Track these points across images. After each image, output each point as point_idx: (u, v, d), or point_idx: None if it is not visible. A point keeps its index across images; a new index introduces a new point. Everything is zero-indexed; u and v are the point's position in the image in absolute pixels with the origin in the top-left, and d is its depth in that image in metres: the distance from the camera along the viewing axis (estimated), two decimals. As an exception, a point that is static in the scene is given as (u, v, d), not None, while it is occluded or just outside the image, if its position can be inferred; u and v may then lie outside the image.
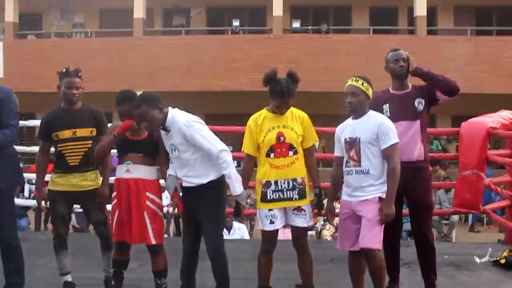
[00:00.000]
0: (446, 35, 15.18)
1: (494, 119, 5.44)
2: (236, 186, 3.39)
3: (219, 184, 3.49)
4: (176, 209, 3.52)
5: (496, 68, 14.03)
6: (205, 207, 3.43)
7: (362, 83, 3.40)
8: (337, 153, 3.61)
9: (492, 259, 4.85)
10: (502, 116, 5.57)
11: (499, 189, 5.69)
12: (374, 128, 3.38)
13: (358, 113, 3.46)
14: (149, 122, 3.36)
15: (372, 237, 3.33)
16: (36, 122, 7.18)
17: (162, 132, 3.48)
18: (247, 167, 3.58)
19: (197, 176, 3.41)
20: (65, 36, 17.11)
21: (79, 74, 3.80)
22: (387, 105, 3.76)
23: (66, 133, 3.75)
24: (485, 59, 14.05)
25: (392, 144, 3.36)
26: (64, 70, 3.77)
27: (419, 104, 3.75)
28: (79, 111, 3.81)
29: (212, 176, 3.44)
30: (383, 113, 3.68)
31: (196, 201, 3.43)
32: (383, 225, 3.38)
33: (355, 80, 3.42)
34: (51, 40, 16.24)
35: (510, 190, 5.62)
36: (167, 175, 3.54)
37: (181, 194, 3.53)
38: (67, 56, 14.22)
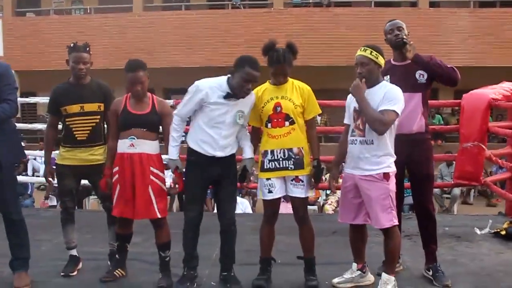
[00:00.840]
0: (448, 7, 15.03)
1: (495, 91, 5.42)
2: (250, 150, 3.58)
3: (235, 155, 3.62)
4: (176, 187, 3.54)
5: (499, 40, 13.93)
6: (231, 177, 3.55)
7: (371, 52, 3.36)
8: (346, 120, 3.60)
9: (493, 231, 4.90)
10: (503, 88, 5.54)
11: (500, 161, 5.71)
12: (382, 95, 3.33)
13: (370, 82, 3.40)
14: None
15: (385, 216, 3.33)
16: (38, 99, 7.22)
17: (220, 100, 3.39)
18: (252, 138, 3.65)
19: (232, 146, 3.51)
20: (64, 13, 17.00)
21: (87, 49, 3.80)
22: (388, 76, 3.70)
23: (74, 108, 3.77)
24: (488, 31, 13.94)
25: (390, 109, 3.27)
26: (72, 45, 3.78)
27: (421, 76, 3.68)
28: (87, 86, 3.82)
29: (236, 147, 3.57)
30: None
31: (221, 170, 3.48)
32: (393, 196, 3.37)
33: (364, 50, 3.38)
34: (50, 17, 16.16)
35: (511, 162, 5.63)
36: (168, 159, 3.52)
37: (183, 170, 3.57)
38: (67, 33, 14.15)
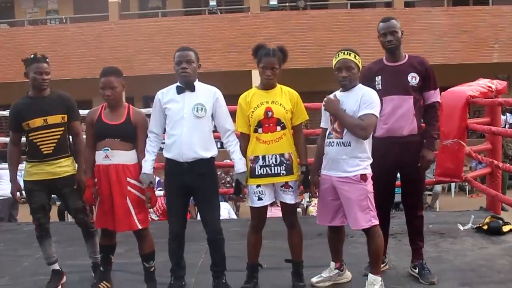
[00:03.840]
0: (423, 7, 15.21)
1: (472, 88, 5.48)
2: (241, 163, 3.47)
3: (214, 162, 3.55)
4: (149, 202, 3.50)
5: (474, 37, 14.13)
6: (208, 184, 3.48)
7: (355, 56, 3.35)
8: (322, 124, 3.59)
9: (475, 226, 4.95)
10: (480, 85, 5.61)
11: (479, 156, 5.78)
12: (358, 99, 3.33)
13: (350, 86, 3.40)
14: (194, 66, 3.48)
15: (363, 216, 3.33)
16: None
17: (179, 96, 3.44)
18: (242, 145, 3.55)
19: (204, 149, 3.42)
20: (39, 24, 16.81)
21: (47, 60, 3.72)
22: (379, 77, 3.65)
23: (37, 122, 3.66)
24: (463, 29, 14.13)
25: (369, 113, 3.29)
26: (32, 56, 3.69)
27: (413, 78, 3.61)
28: (48, 98, 3.72)
29: (212, 152, 3.48)
30: (375, 85, 3.61)
31: (197, 180, 3.42)
32: (371, 197, 3.37)
33: (347, 54, 3.36)
34: (25, 28, 15.94)
35: (491, 157, 5.70)
36: (142, 173, 3.47)
37: (156, 186, 3.58)
38: (43, 44, 13.99)
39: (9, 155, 3.85)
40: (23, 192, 3.80)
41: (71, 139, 3.82)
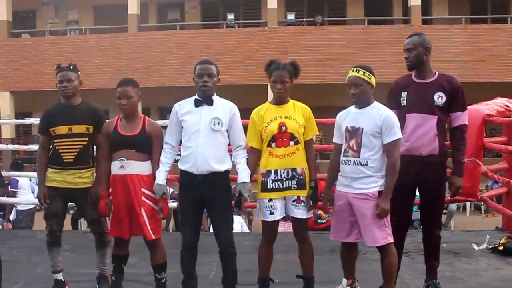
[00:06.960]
0: (441, 25, 15.18)
1: (490, 107, 5.44)
2: (245, 174, 3.47)
3: (228, 176, 3.56)
4: (161, 213, 3.52)
5: (492, 56, 14.06)
6: (222, 197, 3.48)
7: (364, 73, 3.35)
8: (336, 140, 3.58)
9: (490, 246, 4.88)
10: (497, 103, 5.57)
11: (496, 176, 5.71)
12: (379, 121, 3.32)
13: (362, 103, 3.40)
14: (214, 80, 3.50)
15: (380, 234, 3.31)
16: (32, 120, 7.21)
17: (196, 109, 3.47)
18: (251, 159, 3.56)
19: (219, 162, 3.44)
20: (59, 34, 17.07)
21: (71, 67, 3.78)
22: (406, 92, 3.60)
23: (62, 129, 3.72)
24: (480, 47, 14.08)
25: (395, 139, 3.30)
26: (56, 66, 3.79)
27: (439, 98, 3.53)
28: (77, 107, 3.78)
29: (227, 166, 3.50)
30: (400, 101, 3.60)
31: (211, 192, 3.43)
32: (388, 216, 3.35)
33: (356, 71, 3.37)
34: (46, 38, 16.21)
35: (507, 177, 5.64)
36: (155, 184, 3.49)
37: (169, 197, 3.54)
38: (62, 54, 14.20)
39: (38, 159, 3.90)
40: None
41: (95, 151, 3.86)
